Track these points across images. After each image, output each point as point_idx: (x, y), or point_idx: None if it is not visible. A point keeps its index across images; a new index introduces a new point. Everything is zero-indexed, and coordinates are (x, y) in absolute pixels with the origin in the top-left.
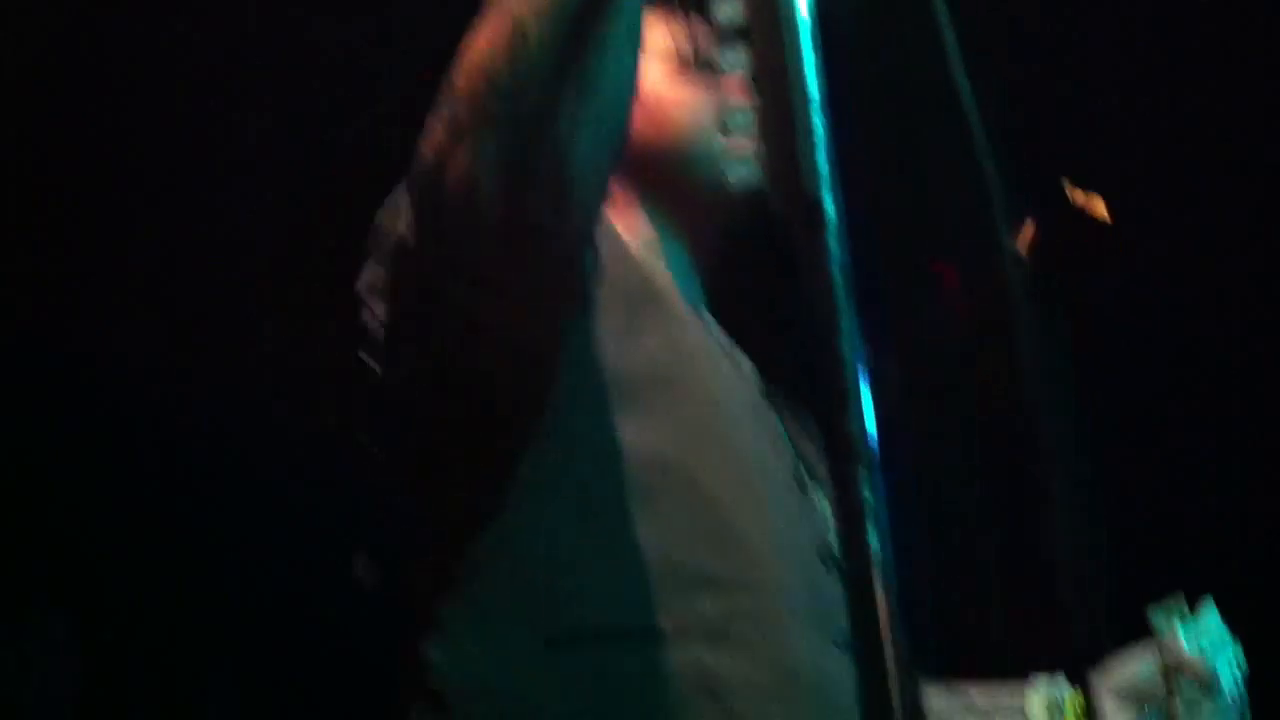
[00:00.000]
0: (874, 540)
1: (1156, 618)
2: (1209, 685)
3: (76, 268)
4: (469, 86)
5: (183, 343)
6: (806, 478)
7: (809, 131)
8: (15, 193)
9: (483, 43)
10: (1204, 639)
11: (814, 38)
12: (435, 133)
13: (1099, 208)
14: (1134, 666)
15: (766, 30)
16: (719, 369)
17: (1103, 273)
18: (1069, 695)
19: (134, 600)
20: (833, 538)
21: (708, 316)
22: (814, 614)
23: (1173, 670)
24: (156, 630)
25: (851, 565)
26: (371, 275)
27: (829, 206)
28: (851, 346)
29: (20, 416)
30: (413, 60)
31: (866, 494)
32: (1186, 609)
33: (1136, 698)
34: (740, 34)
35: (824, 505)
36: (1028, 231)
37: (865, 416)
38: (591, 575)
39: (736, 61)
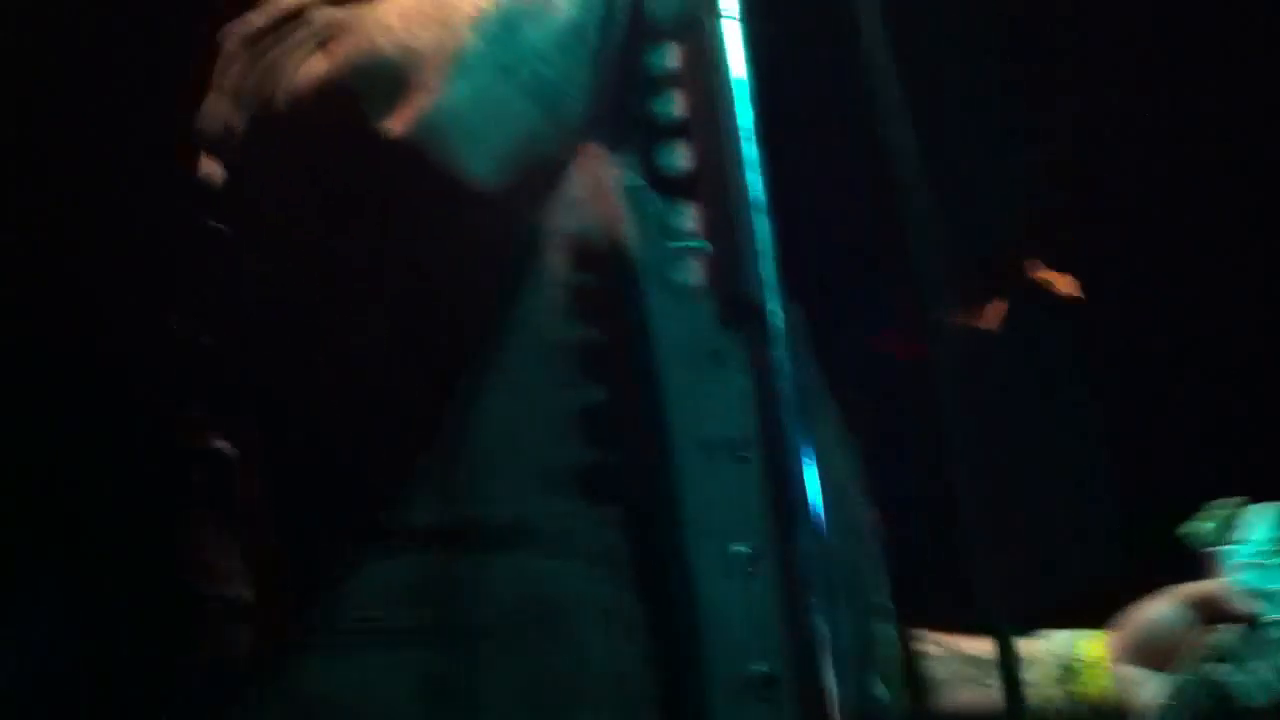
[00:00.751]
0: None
1: (1198, 528)
2: (1251, 621)
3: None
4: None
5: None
6: None
7: (752, 237)
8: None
9: None
10: (1251, 550)
11: (757, 139)
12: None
13: (1066, 285)
14: (1158, 612)
15: (707, 131)
16: None
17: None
18: (1089, 652)
19: None
20: None
21: None
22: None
23: (1207, 609)
24: None
25: None
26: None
27: (774, 313)
28: (797, 451)
29: None
30: None
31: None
32: (1231, 515)
33: (1161, 647)
34: (680, 131)
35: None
36: (991, 309)
37: (819, 533)
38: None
39: (676, 158)
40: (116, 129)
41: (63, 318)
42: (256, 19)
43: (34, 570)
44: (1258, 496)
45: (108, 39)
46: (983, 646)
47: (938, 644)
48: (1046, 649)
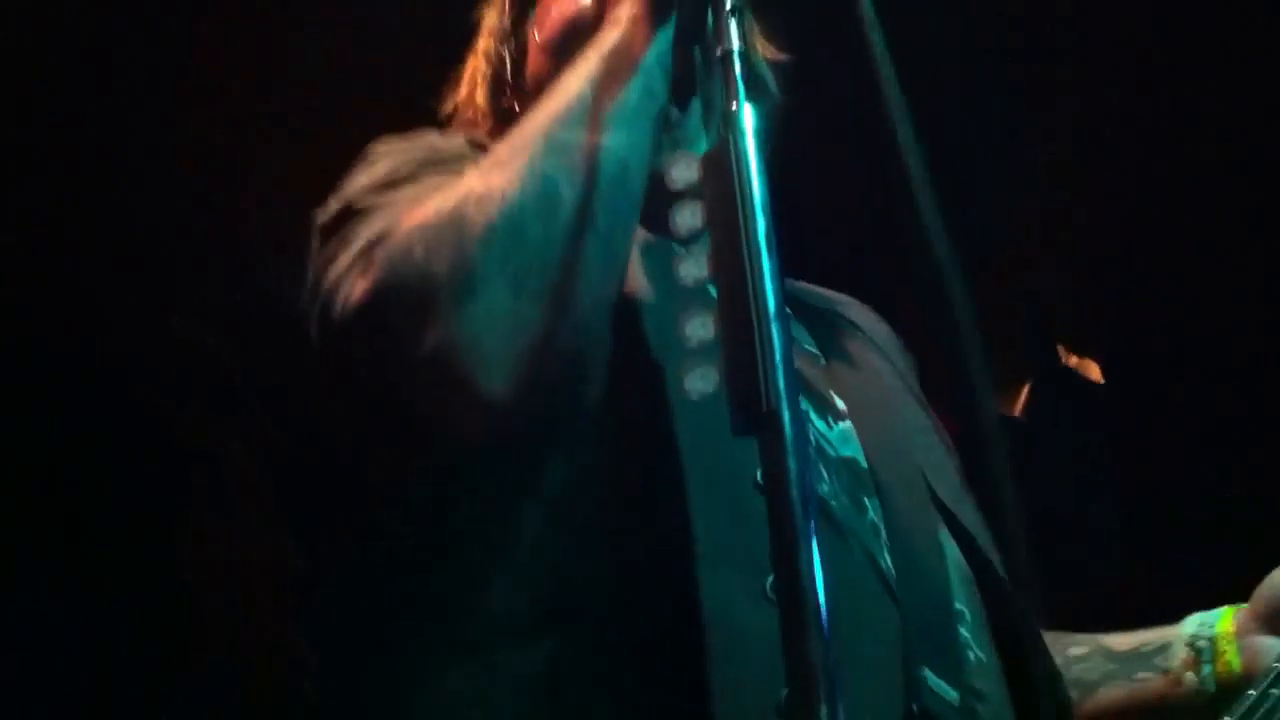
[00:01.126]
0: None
1: None
2: None
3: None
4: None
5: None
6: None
7: (768, 344)
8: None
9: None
10: None
11: (771, 248)
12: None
13: (1093, 371)
14: None
15: (724, 240)
16: None
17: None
18: (1218, 628)
19: None
20: None
21: None
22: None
23: None
24: None
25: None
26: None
27: (786, 419)
28: (809, 560)
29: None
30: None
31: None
32: None
33: None
34: (698, 240)
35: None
36: (1022, 391)
37: (824, 638)
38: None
39: (694, 267)
40: (116, 129)
41: (63, 319)
42: (331, 207)
43: (33, 570)
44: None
45: (107, 39)
46: (1127, 642)
47: (1083, 644)
48: (1176, 633)
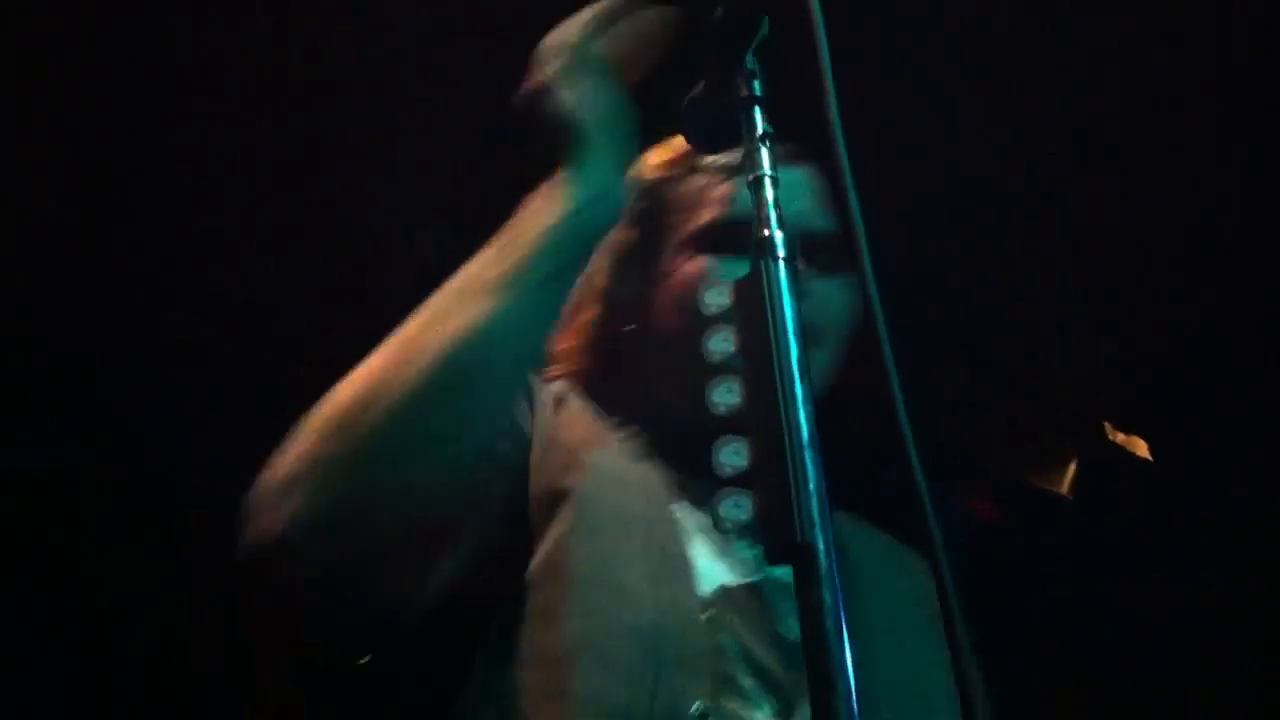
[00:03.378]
0: None
1: None
2: None
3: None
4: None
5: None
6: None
7: (802, 474)
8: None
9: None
10: None
11: (804, 375)
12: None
13: (1140, 448)
14: None
15: (757, 368)
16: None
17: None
18: None
19: None
20: None
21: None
22: None
23: None
24: None
25: None
26: None
27: (821, 552)
28: (846, 692)
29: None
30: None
31: None
32: None
33: None
34: (731, 368)
35: None
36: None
37: None
38: None
39: (728, 395)
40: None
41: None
42: None
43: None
44: None
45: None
46: None
47: None
48: None
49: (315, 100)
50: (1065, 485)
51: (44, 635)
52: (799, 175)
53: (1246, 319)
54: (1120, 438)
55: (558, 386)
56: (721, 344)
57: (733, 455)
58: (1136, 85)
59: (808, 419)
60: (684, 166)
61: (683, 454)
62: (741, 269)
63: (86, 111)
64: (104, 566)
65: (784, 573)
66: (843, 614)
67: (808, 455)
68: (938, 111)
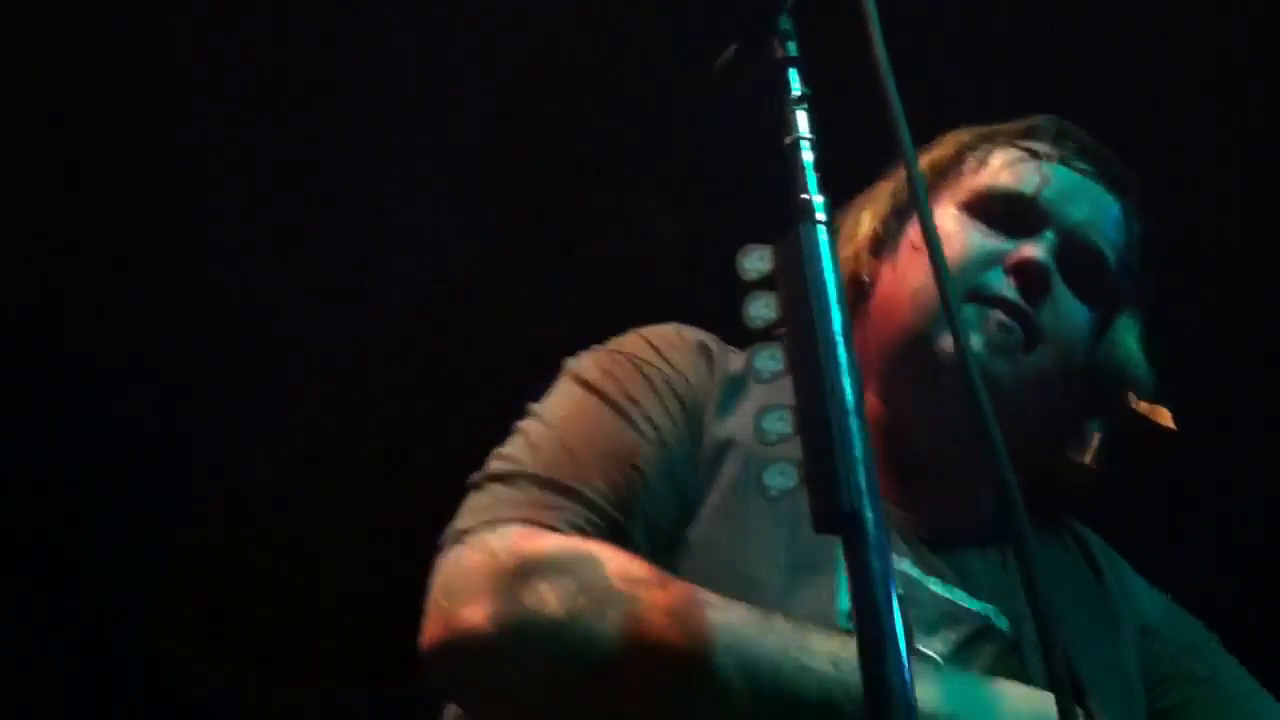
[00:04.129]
0: None
1: None
2: None
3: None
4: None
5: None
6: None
7: (846, 440)
8: None
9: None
10: None
11: (847, 340)
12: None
13: (1164, 417)
14: None
15: (800, 336)
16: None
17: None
18: None
19: None
20: None
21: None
22: None
23: None
24: None
25: None
26: None
27: (868, 518)
28: (896, 658)
29: None
30: None
31: None
32: None
33: None
34: (770, 335)
35: None
36: (1093, 441)
37: None
38: None
39: (770, 360)
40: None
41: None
42: (489, 468)
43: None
44: None
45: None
46: None
47: None
48: None
49: (315, 100)
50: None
51: (44, 635)
52: (1114, 207)
53: (1246, 319)
54: (1144, 407)
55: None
56: (762, 310)
57: (777, 422)
58: (1136, 85)
59: (852, 385)
60: None
61: None
62: None
63: (86, 110)
64: (103, 566)
65: None
66: (893, 582)
67: (852, 422)
68: (938, 111)
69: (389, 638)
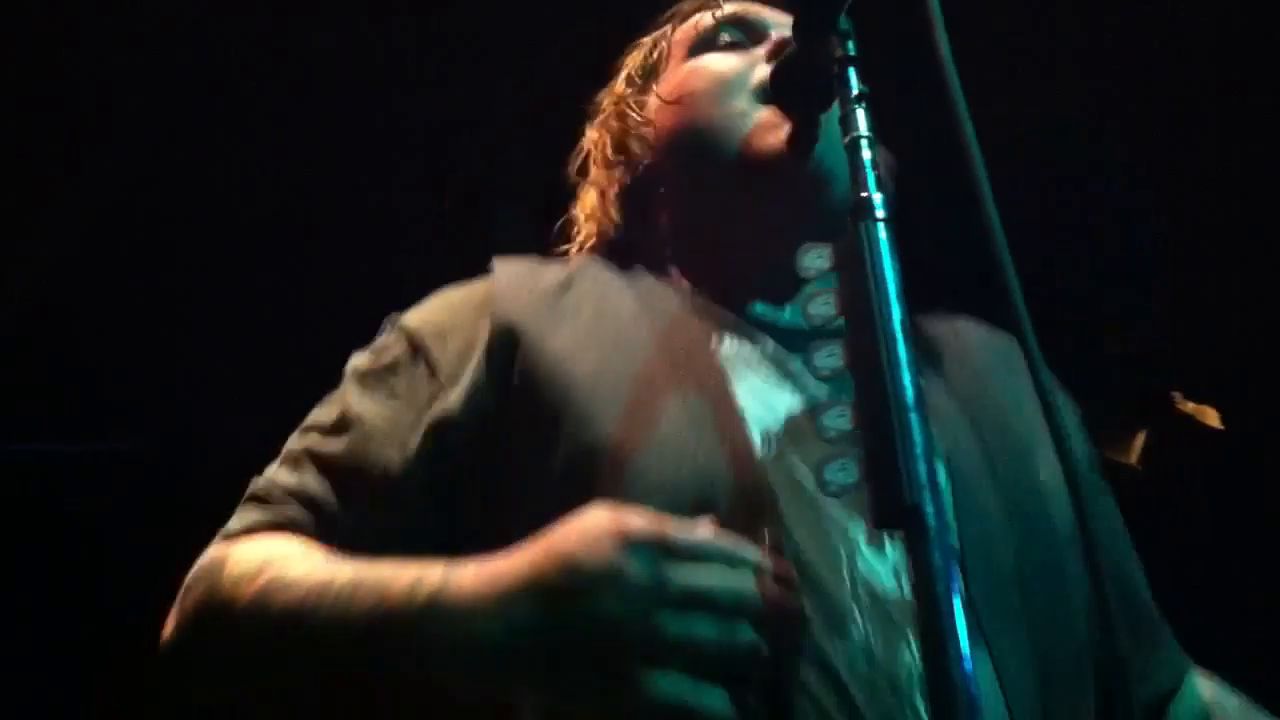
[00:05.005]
0: None
1: None
2: None
3: None
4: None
5: None
6: None
7: (907, 436)
8: None
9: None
10: None
11: (907, 337)
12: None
13: (1210, 418)
14: None
15: (861, 330)
16: None
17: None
18: None
19: None
20: None
21: None
22: None
23: None
24: None
25: None
26: None
27: (929, 511)
28: (957, 651)
29: None
30: None
31: None
32: None
33: None
34: (833, 333)
35: None
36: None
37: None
38: None
39: (831, 358)
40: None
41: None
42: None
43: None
44: None
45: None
46: None
47: None
48: None
49: (315, 100)
50: (1134, 456)
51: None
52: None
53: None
54: (1190, 407)
55: (561, 276)
56: (822, 308)
57: (837, 418)
58: (1137, 85)
59: (912, 381)
60: None
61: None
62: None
63: (103, 127)
64: (106, 564)
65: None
66: (954, 577)
67: (913, 418)
68: (937, 111)
69: None
